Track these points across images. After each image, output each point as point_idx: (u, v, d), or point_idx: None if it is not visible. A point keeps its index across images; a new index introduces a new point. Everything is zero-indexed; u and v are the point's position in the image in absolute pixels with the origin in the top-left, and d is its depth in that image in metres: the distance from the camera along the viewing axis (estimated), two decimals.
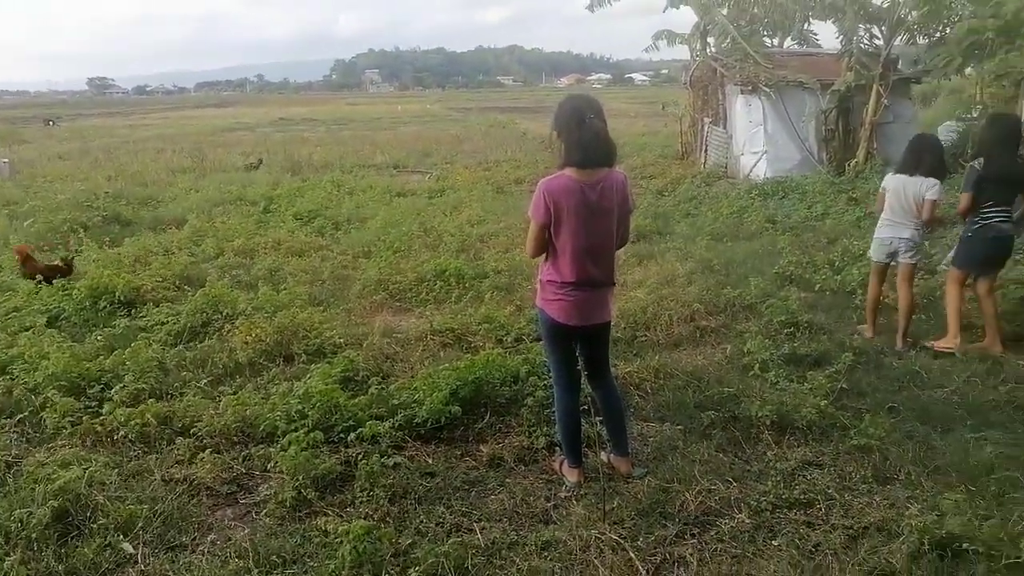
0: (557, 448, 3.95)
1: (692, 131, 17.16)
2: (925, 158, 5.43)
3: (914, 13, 13.08)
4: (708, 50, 16.42)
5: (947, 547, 2.97)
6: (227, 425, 4.17)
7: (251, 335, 5.45)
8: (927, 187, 5.35)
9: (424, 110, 49.20)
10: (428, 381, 4.46)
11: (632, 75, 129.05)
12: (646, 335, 5.78)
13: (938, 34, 13.37)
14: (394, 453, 3.91)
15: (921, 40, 14.20)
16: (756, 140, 14.15)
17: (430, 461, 3.95)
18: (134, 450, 4.05)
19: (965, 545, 2.94)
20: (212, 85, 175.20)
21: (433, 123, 35.55)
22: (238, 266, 7.97)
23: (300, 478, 3.58)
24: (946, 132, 15.77)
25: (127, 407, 4.30)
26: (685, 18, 15.70)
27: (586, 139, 3.24)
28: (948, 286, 5.47)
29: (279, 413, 4.16)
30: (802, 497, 3.46)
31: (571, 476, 3.72)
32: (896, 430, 4.08)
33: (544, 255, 3.51)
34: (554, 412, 4.08)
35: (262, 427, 4.13)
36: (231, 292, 6.50)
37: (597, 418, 3.93)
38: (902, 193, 5.46)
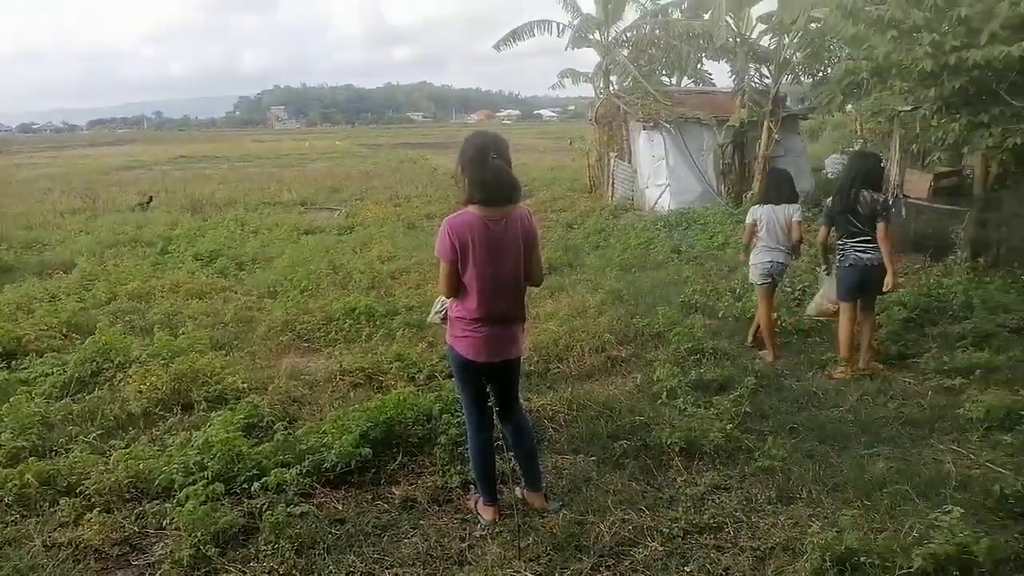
0: (472, 486, 3.90)
1: (599, 165, 17.65)
2: (784, 188, 6.09)
3: (798, 54, 14.02)
4: (611, 88, 17.02)
5: (847, 562, 3.07)
6: (118, 481, 3.89)
7: (146, 383, 5.16)
8: (792, 211, 5.98)
9: (333, 146, 48.58)
10: (337, 423, 4.32)
11: (541, 111, 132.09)
12: (559, 367, 5.82)
13: (820, 74, 14.38)
14: (301, 501, 3.75)
15: (806, 79, 15.23)
16: (659, 173, 14.69)
17: (340, 507, 3.81)
18: (11, 515, 3.72)
19: (863, 559, 3.06)
20: (106, 122, 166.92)
21: (342, 159, 35.12)
22: (132, 311, 7.54)
23: (199, 534, 3.38)
24: (832, 164, 16.89)
25: (4, 467, 3.97)
26: (589, 57, 16.44)
27: (488, 178, 3.27)
28: (839, 317, 5.77)
29: (176, 465, 3.92)
30: (712, 521, 3.53)
31: (486, 514, 3.67)
32: (797, 450, 4.25)
33: None
34: (468, 449, 4.04)
35: (157, 482, 3.88)
36: (124, 338, 6.15)
37: (510, 453, 3.90)
38: (774, 220, 5.99)
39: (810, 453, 4.23)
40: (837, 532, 3.24)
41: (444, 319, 3.63)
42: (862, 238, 5.44)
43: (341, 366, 5.67)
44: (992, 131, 7.66)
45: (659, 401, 4.94)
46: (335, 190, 20.27)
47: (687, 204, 13.74)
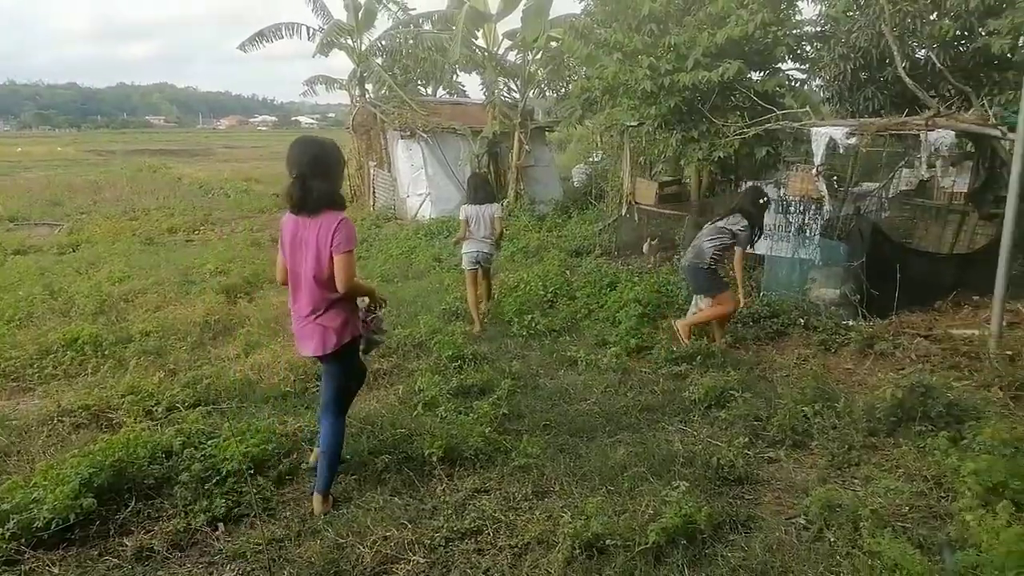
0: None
1: (359, 174, 17.39)
2: (486, 190, 7.41)
3: (542, 71, 14.98)
4: (367, 96, 16.86)
5: (594, 546, 3.29)
6: None
7: None
8: (494, 209, 7.28)
9: (53, 153, 42.43)
10: (51, 474, 3.73)
11: (299, 118, 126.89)
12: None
13: (563, 90, 15.48)
14: (4, 571, 3.18)
15: (551, 94, 16.31)
16: (419, 183, 14.85)
17: (56, 570, 3.29)
18: None
19: (607, 541, 3.30)
20: None
21: (66, 168, 30.87)
22: None
23: None
24: (578, 173, 18.27)
25: None
26: (345, 64, 15.93)
27: (287, 189, 3.63)
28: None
29: None
30: (472, 525, 3.58)
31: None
32: (551, 445, 4.48)
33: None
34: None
35: None
36: None
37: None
38: (480, 218, 7.18)
39: (562, 447, 4.49)
40: (585, 519, 3.45)
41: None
42: (695, 244, 6.43)
43: (59, 406, 4.93)
44: (701, 145, 8.78)
45: (415, 412, 4.92)
46: (55, 203, 17.76)
47: (447, 213, 14.01)
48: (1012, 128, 5.90)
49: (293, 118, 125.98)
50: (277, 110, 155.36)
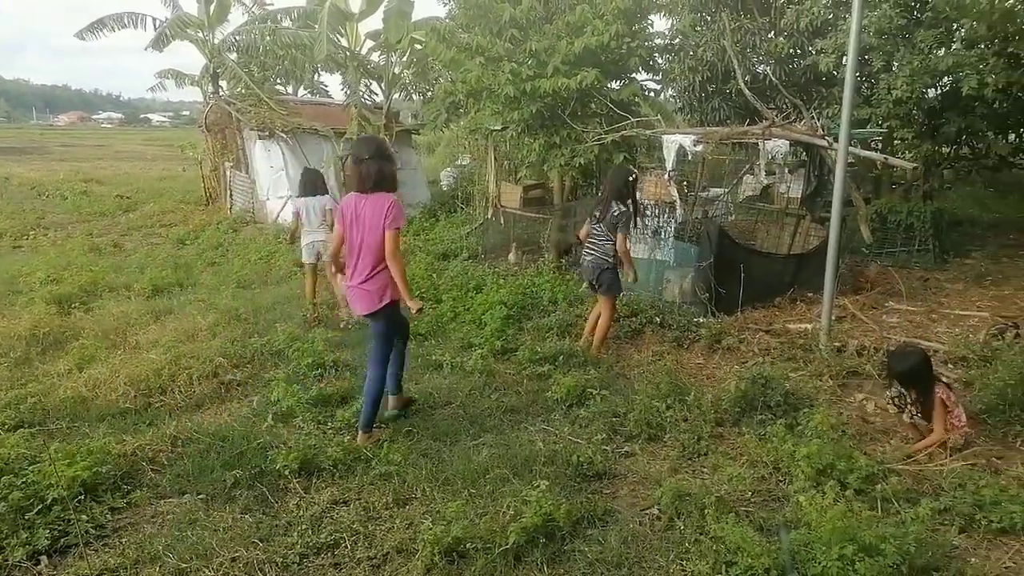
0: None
1: (215, 176, 16.48)
2: (317, 184, 7.66)
3: (407, 72, 14.83)
4: (221, 93, 16.01)
5: (454, 551, 3.26)
6: None
7: None
8: (325, 201, 7.50)
9: None
10: None
11: (150, 115, 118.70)
12: (162, 400, 5.22)
13: (429, 92, 15.40)
14: None
15: (416, 97, 16.17)
16: (280, 185, 14.24)
17: None
18: None
19: (468, 545, 3.27)
20: None
21: None
22: None
23: None
24: (446, 177, 18.24)
25: None
26: (199, 58, 15.06)
27: (361, 169, 4.40)
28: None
29: None
30: (329, 539, 3.46)
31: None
32: (413, 451, 4.40)
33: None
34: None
35: None
36: None
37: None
38: (311, 210, 7.45)
39: (425, 452, 4.42)
40: (446, 524, 3.40)
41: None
42: (592, 243, 6.22)
43: None
44: (563, 151, 8.99)
45: (265, 423, 4.69)
46: None
47: None
48: (837, 139, 6.45)
49: (143, 115, 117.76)
50: (124, 106, 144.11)
